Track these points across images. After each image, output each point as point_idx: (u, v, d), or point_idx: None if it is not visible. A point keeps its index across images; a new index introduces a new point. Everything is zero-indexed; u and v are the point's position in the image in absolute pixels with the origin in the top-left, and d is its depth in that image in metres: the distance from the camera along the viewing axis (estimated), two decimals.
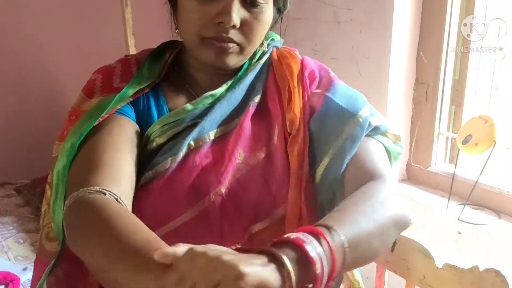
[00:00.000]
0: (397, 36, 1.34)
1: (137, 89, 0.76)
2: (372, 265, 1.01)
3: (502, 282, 0.74)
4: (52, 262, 0.71)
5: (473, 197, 1.25)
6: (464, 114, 1.37)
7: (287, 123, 0.77)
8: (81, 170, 0.67)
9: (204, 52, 0.73)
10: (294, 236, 0.51)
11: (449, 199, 1.27)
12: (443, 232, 1.20)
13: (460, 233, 1.19)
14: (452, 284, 0.82)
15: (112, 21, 1.87)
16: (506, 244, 1.12)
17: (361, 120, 0.74)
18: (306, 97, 0.78)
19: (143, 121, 0.77)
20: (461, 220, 1.21)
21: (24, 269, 1.31)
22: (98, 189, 0.62)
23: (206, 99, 0.77)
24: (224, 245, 0.72)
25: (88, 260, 0.60)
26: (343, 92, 0.78)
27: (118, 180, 0.66)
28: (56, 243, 0.72)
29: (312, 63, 0.83)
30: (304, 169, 0.74)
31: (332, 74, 0.83)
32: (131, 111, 0.76)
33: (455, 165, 1.28)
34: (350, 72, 1.47)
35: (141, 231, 0.56)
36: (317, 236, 0.52)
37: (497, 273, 0.75)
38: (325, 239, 0.52)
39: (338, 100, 0.76)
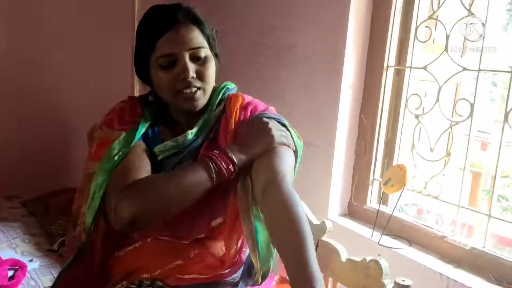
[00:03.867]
0: (345, 100, 1.74)
1: (145, 127, 1.10)
2: None
3: (379, 268, 1.08)
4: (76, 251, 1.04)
5: (393, 228, 1.61)
6: (394, 165, 1.75)
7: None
8: (122, 177, 0.99)
9: (179, 102, 1.05)
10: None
11: (373, 230, 1.63)
12: (367, 254, 1.53)
13: (379, 255, 1.53)
14: (350, 272, 1.15)
15: (122, 68, 2.28)
16: (412, 264, 1.46)
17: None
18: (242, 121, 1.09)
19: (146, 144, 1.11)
20: (380, 245, 1.55)
21: (31, 260, 1.61)
22: None
23: (188, 135, 1.08)
24: (193, 235, 1.07)
25: (152, 205, 0.94)
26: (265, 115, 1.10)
27: None
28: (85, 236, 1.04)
29: (258, 102, 1.15)
30: (240, 183, 1.05)
31: (270, 108, 1.14)
32: (141, 138, 1.09)
33: (380, 203, 1.64)
34: (309, 125, 1.85)
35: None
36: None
37: (377, 262, 1.09)
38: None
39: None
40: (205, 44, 1.05)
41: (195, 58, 1.04)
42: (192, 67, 1.03)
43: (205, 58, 1.05)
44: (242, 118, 1.10)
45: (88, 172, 1.06)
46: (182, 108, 1.08)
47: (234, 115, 1.10)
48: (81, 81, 2.38)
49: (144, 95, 1.18)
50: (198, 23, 1.05)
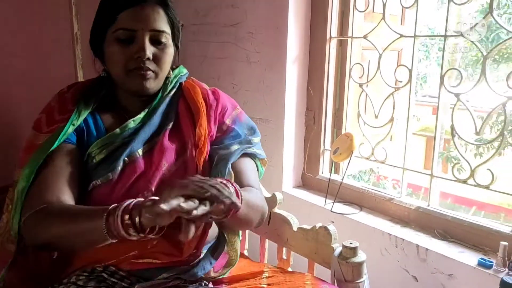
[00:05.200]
0: (291, 74, 1.76)
1: (76, 125, 1.03)
2: (256, 237, 1.38)
3: (328, 234, 1.12)
4: (11, 259, 1.01)
5: (344, 195, 1.67)
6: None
7: (196, 138, 1.08)
8: (35, 193, 0.97)
9: (130, 80, 1.01)
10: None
11: (326, 198, 1.67)
12: (321, 222, 1.58)
13: (332, 222, 1.58)
14: (302, 240, 1.19)
15: (64, 56, 2.20)
16: (363, 227, 1.52)
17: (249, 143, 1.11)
18: (214, 123, 1.10)
19: (84, 140, 1.05)
20: (333, 212, 1.60)
21: None
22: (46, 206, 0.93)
23: (130, 124, 1.05)
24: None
25: (51, 240, 0.92)
26: (246, 124, 1.14)
27: (61, 198, 0.95)
28: (14, 245, 1.01)
29: (225, 98, 1.15)
30: (207, 172, 1.07)
31: (239, 110, 1.16)
32: (73, 136, 1.03)
33: (331, 172, 1.69)
34: (258, 101, 1.87)
35: (81, 207, 0.92)
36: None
37: (326, 228, 1.13)
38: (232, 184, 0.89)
39: (241, 132, 1.11)
40: (168, 30, 1.03)
41: (155, 41, 1.01)
42: (150, 49, 1.00)
43: (165, 44, 1.03)
44: (212, 113, 1.11)
45: (14, 180, 1.02)
46: (131, 90, 1.05)
47: (201, 108, 1.09)
48: (22, 73, 2.28)
49: (94, 78, 1.13)
50: (165, 5, 1.03)
